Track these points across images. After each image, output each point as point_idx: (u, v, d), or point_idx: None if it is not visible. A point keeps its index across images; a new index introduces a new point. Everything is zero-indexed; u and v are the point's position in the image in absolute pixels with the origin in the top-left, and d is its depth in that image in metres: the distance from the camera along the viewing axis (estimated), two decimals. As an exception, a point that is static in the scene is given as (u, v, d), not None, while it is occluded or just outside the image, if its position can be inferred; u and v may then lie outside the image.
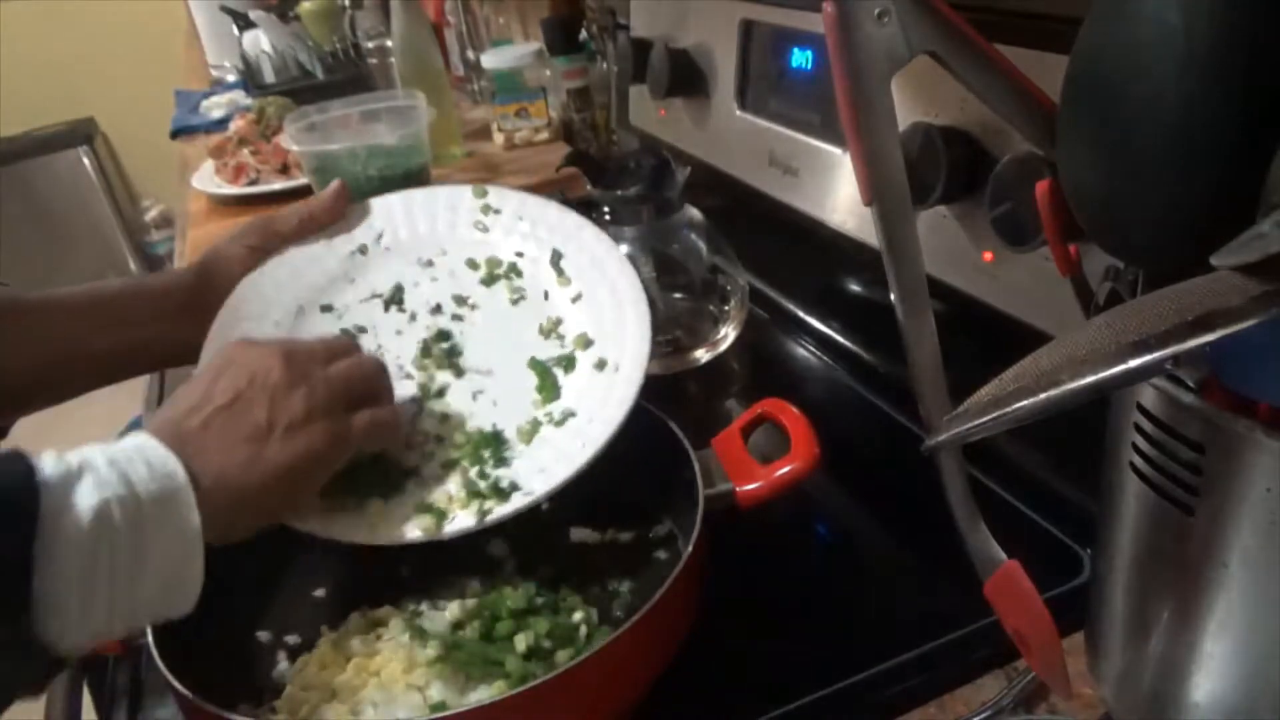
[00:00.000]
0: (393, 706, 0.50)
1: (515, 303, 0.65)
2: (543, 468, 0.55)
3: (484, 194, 0.69)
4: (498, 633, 0.54)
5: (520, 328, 0.63)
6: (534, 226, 0.67)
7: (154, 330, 0.62)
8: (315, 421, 0.49)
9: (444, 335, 0.63)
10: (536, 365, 0.61)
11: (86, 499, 0.40)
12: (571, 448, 0.56)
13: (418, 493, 0.56)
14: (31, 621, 0.38)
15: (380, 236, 0.67)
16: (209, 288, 0.63)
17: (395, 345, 0.63)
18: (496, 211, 0.68)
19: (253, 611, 0.60)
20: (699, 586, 0.54)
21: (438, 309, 0.64)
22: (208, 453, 0.46)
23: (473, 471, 0.56)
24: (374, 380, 0.54)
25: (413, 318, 0.64)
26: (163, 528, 0.42)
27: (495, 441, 0.58)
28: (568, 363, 0.61)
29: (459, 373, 0.62)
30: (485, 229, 0.68)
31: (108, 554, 0.40)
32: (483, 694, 0.50)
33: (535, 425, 0.58)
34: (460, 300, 0.65)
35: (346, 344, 0.56)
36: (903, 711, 0.50)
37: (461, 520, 0.53)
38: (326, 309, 0.64)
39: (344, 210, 0.67)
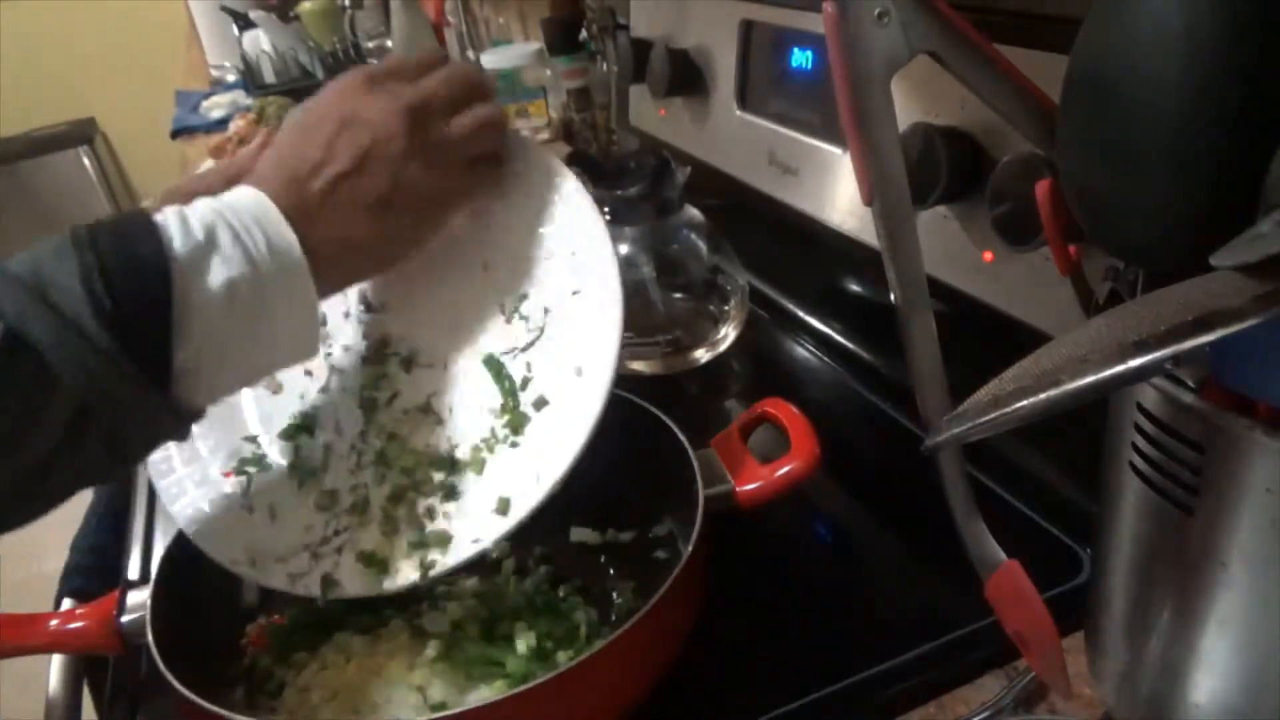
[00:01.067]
0: (393, 706, 0.50)
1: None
2: (493, 505, 0.52)
3: None
4: (498, 633, 0.54)
5: (477, 306, 0.57)
6: None
7: None
8: (435, 189, 0.51)
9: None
10: (492, 365, 0.55)
11: (216, 278, 0.42)
12: (526, 478, 0.52)
13: (360, 534, 0.54)
14: (175, 387, 0.42)
15: None
16: None
17: (342, 335, 0.59)
18: None
19: (253, 611, 0.60)
20: (699, 587, 0.54)
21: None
22: (330, 222, 0.47)
23: (420, 506, 0.53)
24: (495, 134, 0.54)
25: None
26: (282, 300, 0.45)
27: (446, 466, 0.54)
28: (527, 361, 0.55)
29: (407, 367, 0.57)
30: None
31: (238, 326, 0.43)
32: (483, 694, 0.50)
33: (490, 443, 0.54)
34: None
35: (475, 85, 0.54)
36: (903, 711, 0.50)
37: (404, 574, 0.52)
38: None
39: None
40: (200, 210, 0.44)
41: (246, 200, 0.45)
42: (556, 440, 0.52)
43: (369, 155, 0.48)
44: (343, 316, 0.60)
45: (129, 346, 0.40)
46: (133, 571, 0.70)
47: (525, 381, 0.55)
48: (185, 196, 0.60)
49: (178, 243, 0.42)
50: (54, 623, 0.54)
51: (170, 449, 0.57)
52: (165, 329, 0.41)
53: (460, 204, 0.54)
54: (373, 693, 0.51)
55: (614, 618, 0.57)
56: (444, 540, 0.53)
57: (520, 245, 0.57)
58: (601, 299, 0.54)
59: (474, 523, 0.53)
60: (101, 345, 0.39)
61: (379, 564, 0.53)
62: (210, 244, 0.43)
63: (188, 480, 0.57)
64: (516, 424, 0.54)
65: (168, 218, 0.43)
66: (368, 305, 0.60)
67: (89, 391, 0.39)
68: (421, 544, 0.53)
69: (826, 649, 0.55)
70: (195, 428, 0.46)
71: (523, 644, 0.52)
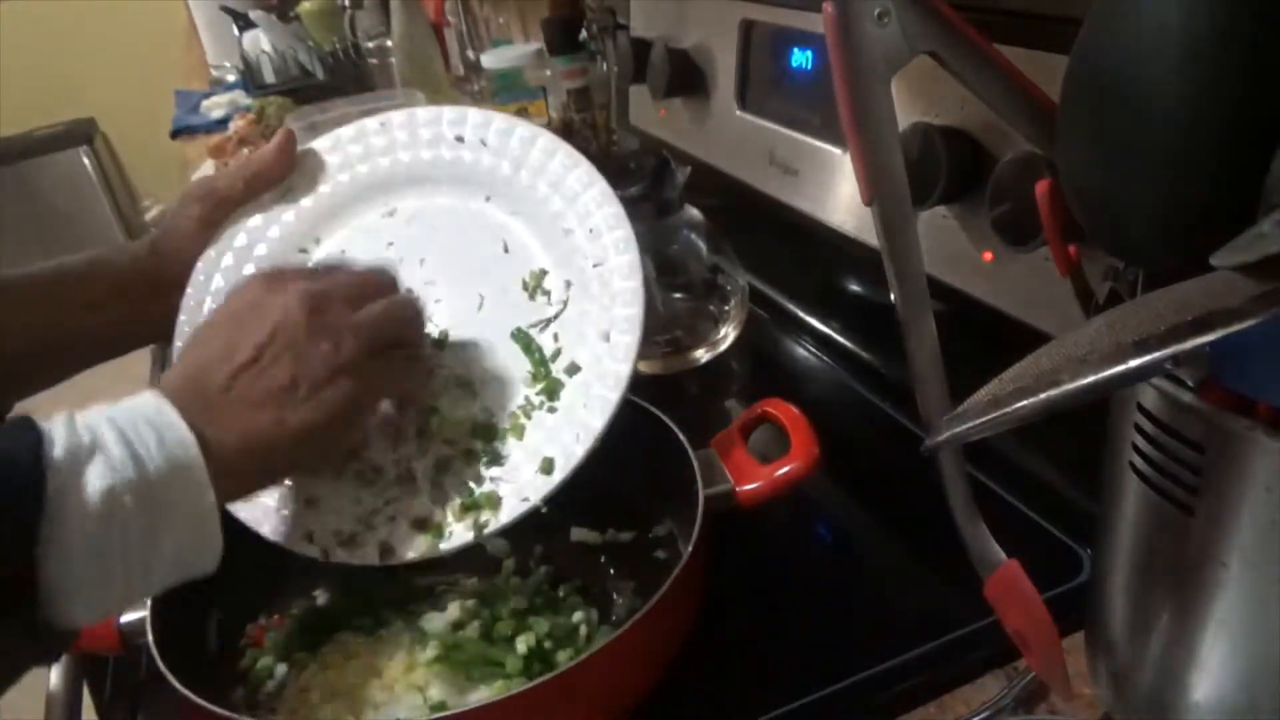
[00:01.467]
0: (393, 706, 0.50)
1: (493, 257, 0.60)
2: (537, 465, 0.54)
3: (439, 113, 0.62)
4: (498, 633, 0.54)
5: (501, 286, 0.59)
6: (499, 158, 0.61)
7: (115, 312, 0.60)
8: (341, 378, 0.47)
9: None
10: (521, 338, 0.57)
11: (95, 483, 0.38)
12: (566, 437, 0.54)
13: (411, 502, 0.55)
14: (40, 604, 0.37)
15: (338, 172, 0.62)
16: (164, 265, 0.60)
17: None
18: (459, 139, 0.61)
19: (253, 611, 0.60)
20: (699, 587, 0.54)
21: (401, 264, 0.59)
22: (229, 416, 0.44)
23: (467, 474, 0.55)
24: (405, 325, 0.52)
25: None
26: (176, 507, 0.41)
27: (487, 433, 0.56)
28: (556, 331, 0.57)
29: (440, 345, 0.58)
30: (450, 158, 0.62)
31: (119, 537, 0.39)
32: (483, 694, 0.50)
33: (527, 410, 0.56)
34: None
35: (379, 281, 0.52)
36: (903, 711, 0.50)
37: (459, 535, 0.53)
38: (302, 252, 0.60)
39: (292, 162, 0.61)
40: (91, 414, 0.41)
41: (141, 402, 0.42)
42: (592, 401, 0.54)
43: (268, 343, 0.46)
44: None
45: None
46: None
47: (555, 352, 0.57)
48: (211, 195, 0.60)
49: (59, 447, 0.38)
50: (54, 623, 0.54)
51: None
52: (30, 541, 0.37)
53: (370, 397, 0.50)
54: (373, 693, 0.51)
55: (614, 618, 0.57)
56: (494, 501, 0.54)
57: (537, 226, 0.59)
58: (621, 268, 0.57)
59: (520, 484, 0.54)
60: None
61: (434, 528, 0.54)
62: (94, 446, 0.39)
63: None
64: (551, 390, 0.56)
65: (54, 421, 0.40)
66: None
67: None
68: (473, 506, 0.54)
69: (826, 649, 0.55)
70: None
71: (523, 644, 0.52)
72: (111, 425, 0.40)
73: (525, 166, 0.60)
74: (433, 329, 0.58)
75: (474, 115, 0.62)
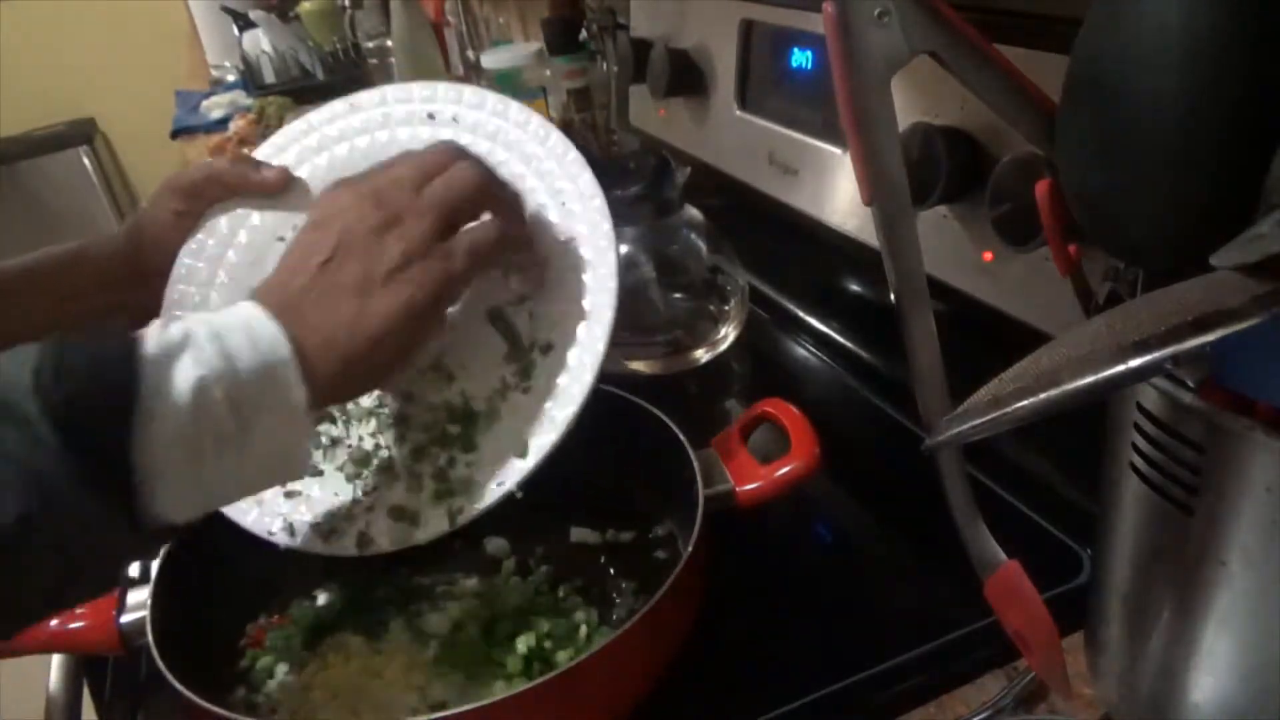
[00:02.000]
0: (393, 707, 0.50)
1: None
2: (513, 450, 0.53)
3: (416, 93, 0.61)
4: (498, 633, 0.54)
5: None
6: (474, 134, 0.60)
7: (99, 301, 0.60)
8: (415, 263, 0.46)
9: None
10: (496, 317, 0.57)
11: (184, 376, 0.39)
12: (542, 420, 0.53)
13: (388, 491, 0.55)
14: (134, 495, 0.38)
15: (314, 155, 0.61)
16: (142, 255, 0.60)
17: None
18: (430, 116, 0.61)
19: (254, 611, 0.60)
20: (699, 587, 0.54)
21: None
22: (312, 316, 0.44)
23: (441, 459, 0.54)
24: (477, 190, 0.50)
25: None
26: (265, 404, 0.41)
27: (463, 417, 0.55)
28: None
29: None
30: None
31: (211, 429, 0.39)
32: (483, 694, 0.50)
33: (503, 392, 0.55)
34: None
35: (441, 156, 0.50)
36: (903, 711, 0.50)
37: (435, 523, 0.53)
38: (280, 240, 0.59)
39: (281, 188, 0.60)
40: (186, 319, 0.42)
41: (236, 309, 0.44)
42: (566, 381, 0.54)
43: (339, 245, 0.46)
44: None
45: (80, 445, 0.36)
46: (133, 571, 0.70)
47: (531, 328, 0.56)
48: (192, 190, 0.60)
49: (151, 343, 0.39)
50: (54, 623, 0.54)
51: None
52: (123, 429, 0.37)
53: (455, 287, 0.49)
54: (373, 693, 0.51)
55: (614, 618, 0.57)
56: (468, 487, 0.53)
57: None
58: (596, 242, 0.55)
59: (496, 469, 0.53)
60: (44, 439, 0.35)
61: (409, 517, 0.53)
62: (185, 342, 0.40)
63: None
64: (525, 369, 0.55)
65: (151, 326, 0.41)
66: None
67: (30, 494, 0.35)
68: (447, 493, 0.53)
69: (826, 649, 0.55)
70: None
71: (523, 644, 0.52)
72: (204, 324, 0.41)
73: (498, 140, 0.59)
74: None
75: (444, 90, 0.61)
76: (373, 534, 0.54)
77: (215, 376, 0.40)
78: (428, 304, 0.47)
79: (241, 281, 0.58)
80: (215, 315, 0.42)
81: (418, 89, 0.61)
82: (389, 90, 0.62)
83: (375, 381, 0.49)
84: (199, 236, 0.59)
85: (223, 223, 0.60)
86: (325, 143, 0.61)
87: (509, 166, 0.58)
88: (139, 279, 0.60)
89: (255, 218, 0.60)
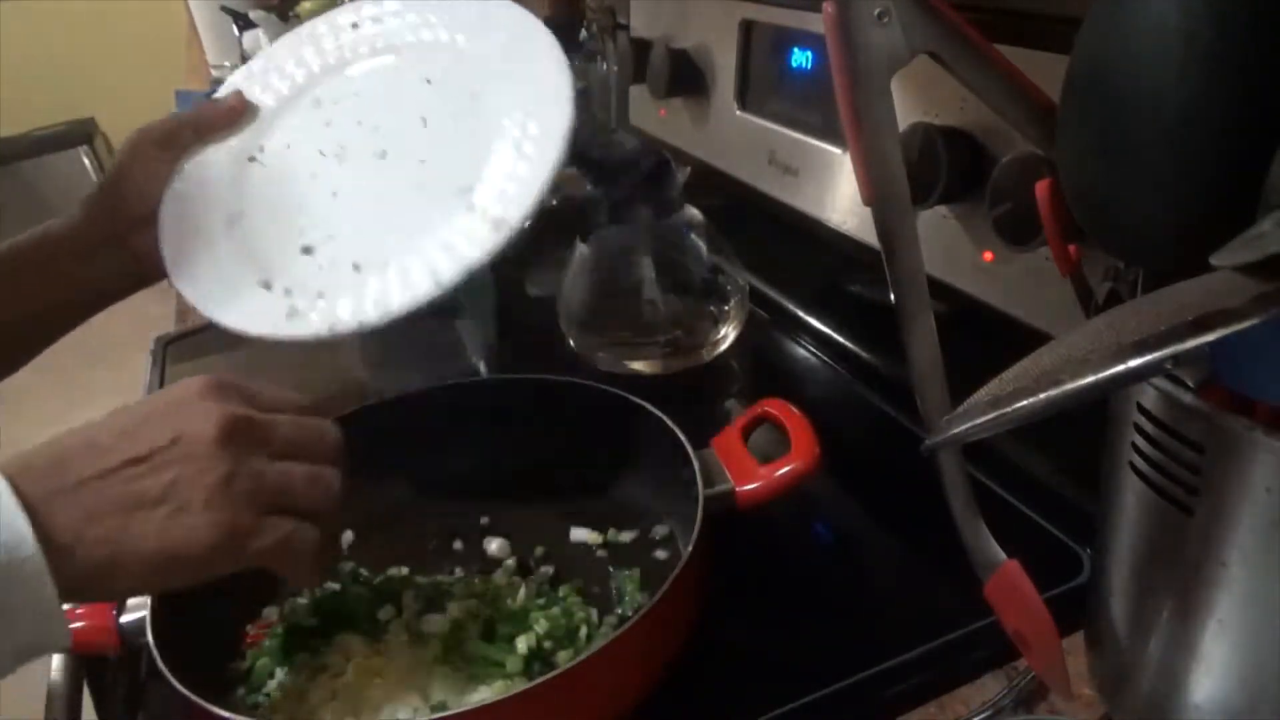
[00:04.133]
0: (393, 706, 0.50)
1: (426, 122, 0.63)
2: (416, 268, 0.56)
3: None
4: (498, 633, 0.54)
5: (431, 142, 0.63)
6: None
7: (74, 273, 0.62)
8: (214, 512, 0.40)
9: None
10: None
11: None
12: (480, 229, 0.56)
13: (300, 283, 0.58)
14: None
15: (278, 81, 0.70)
16: (123, 209, 0.63)
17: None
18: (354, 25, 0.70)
19: (253, 611, 0.60)
20: (699, 587, 0.54)
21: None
22: (73, 511, 0.39)
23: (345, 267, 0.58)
24: (317, 500, 0.44)
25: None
26: (10, 597, 0.37)
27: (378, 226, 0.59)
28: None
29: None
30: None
31: None
32: (483, 694, 0.50)
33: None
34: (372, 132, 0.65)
35: (318, 443, 0.46)
36: (903, 711, 0.50)
37: (314, 324, 0.56)
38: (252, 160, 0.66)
39: (239, 118, 0.68)
40: None
41: None
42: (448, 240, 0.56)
43: (162, 450, 0.40)
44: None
45: None
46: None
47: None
48: (166, 138, 0.64)
49: None
50: (54, 623, 0.54)
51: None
52: None
53: (244, 557, 0.42)
54: (373, 693, 0.51)
55: (614, 618, 0.57)
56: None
57: (455, 73, 0.65)
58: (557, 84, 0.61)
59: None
60: None
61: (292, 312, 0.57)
62: None
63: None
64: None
65: None
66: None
67: None
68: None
69: (826, 649, 0.55)
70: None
71: (523, 644, 0.52)
72: None
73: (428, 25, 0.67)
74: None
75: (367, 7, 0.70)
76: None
77: None
78: (193, 559, 0.40)
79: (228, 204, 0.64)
80: None
81: (341, 13, 0.71)
82: (319, 22, 0.73)
83: (132, 592, 0.45)
84: (176, 186, 0.65)
85: (195, 163, 0.66)
86: (285, 71, 0.71)
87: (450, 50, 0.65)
88: (114, 239, 0.63)
89: (222, 153, 0.66)
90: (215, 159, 0.65)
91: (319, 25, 0.71)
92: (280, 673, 0.55)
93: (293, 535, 0.43)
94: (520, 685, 0.49)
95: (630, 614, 0.55)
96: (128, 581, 0.40)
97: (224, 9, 2.14)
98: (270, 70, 0.71)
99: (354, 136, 0.64)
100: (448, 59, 0.65)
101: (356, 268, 0.57)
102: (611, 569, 0.61)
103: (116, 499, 0.40)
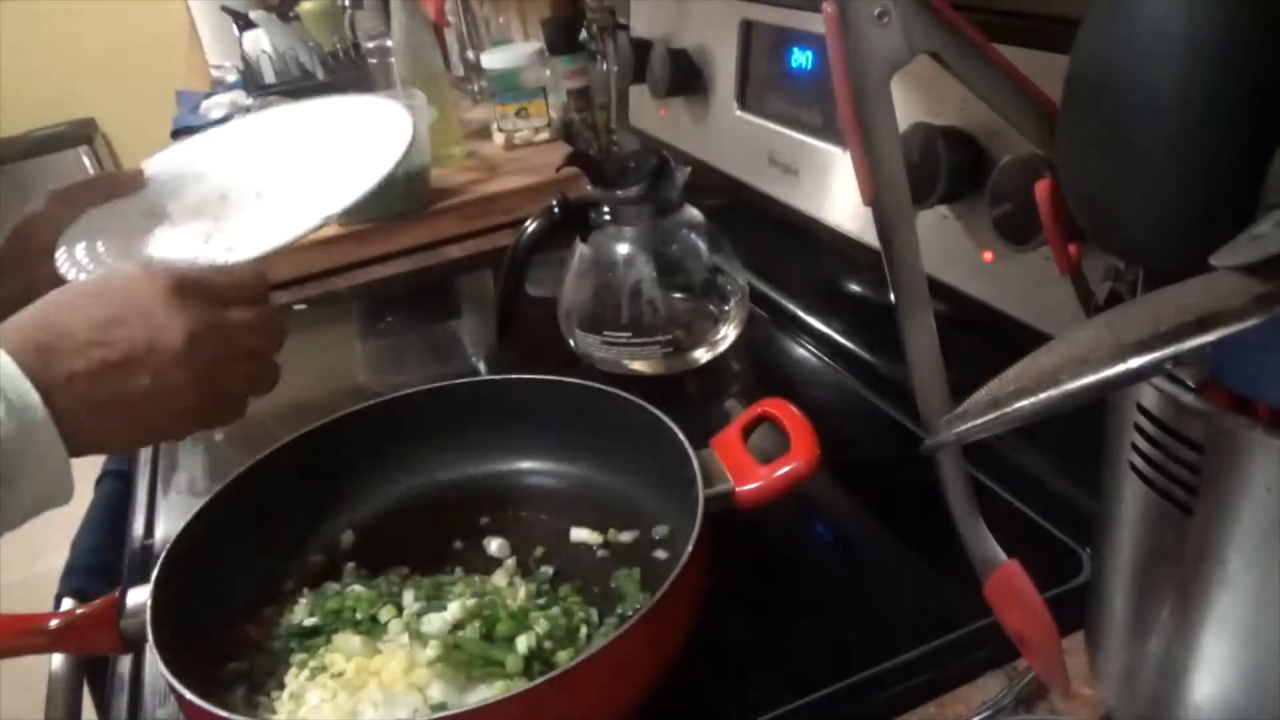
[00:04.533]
0: (393, 706, 0.50)
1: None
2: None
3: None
4: (498, 633, 0.54)
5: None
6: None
7: None
8: (187, 414, 0.52)
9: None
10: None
11: None
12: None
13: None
14: None
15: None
16: (31, 244, 0.72)
17: None
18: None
19: (254, 611, 0.60)
20: (699, 587, 0.54)
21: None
22: (79, 399, 0.47)
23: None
24: (265, 386, 0.57)
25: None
26: (28, 462, 0.44)
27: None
28: None
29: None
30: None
31: None
32: (483, 694, 0.50)
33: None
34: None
35: (273, 335, 0.57)
36: (903, 711, 0.50)
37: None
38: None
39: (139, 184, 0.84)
40: None
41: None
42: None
43: (141, 355, 0.48)
44: None
45: None
46: (133, 571, 0.70)
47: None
48: (65, 195, 0.76)
49: None
50: (54, 623, 0.54)
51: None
52: None
53: (212, 426, 0.55)
54: (373, 693, 0.51)
55: (614, 618, 0.57)
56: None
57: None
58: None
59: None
60: None
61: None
62: None
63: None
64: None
65: None
66: None
67: None
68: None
69: (826, 649, 0.55)
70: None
71: (523, 644, 0.52)
72: None
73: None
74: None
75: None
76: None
77: None
78: (192, 427, 0.54)
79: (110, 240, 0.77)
80: None
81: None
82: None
83: (131, 446, 0.61)
84: (73, 229, 0.76)
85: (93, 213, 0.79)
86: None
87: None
88: (22, 266, 0.71)
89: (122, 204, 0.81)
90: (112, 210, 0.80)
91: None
92: (280, 673, 0.55)
93: (244, 405, 0.56)
94: (520, 685, 0.49)
95: (630, 614, 0.55)
96: (116, 450, 0.56)
97: (224, 9, 2.14)
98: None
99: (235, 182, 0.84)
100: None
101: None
102: (612, 569, 0.61)
103: (115, 397, 0.48)
